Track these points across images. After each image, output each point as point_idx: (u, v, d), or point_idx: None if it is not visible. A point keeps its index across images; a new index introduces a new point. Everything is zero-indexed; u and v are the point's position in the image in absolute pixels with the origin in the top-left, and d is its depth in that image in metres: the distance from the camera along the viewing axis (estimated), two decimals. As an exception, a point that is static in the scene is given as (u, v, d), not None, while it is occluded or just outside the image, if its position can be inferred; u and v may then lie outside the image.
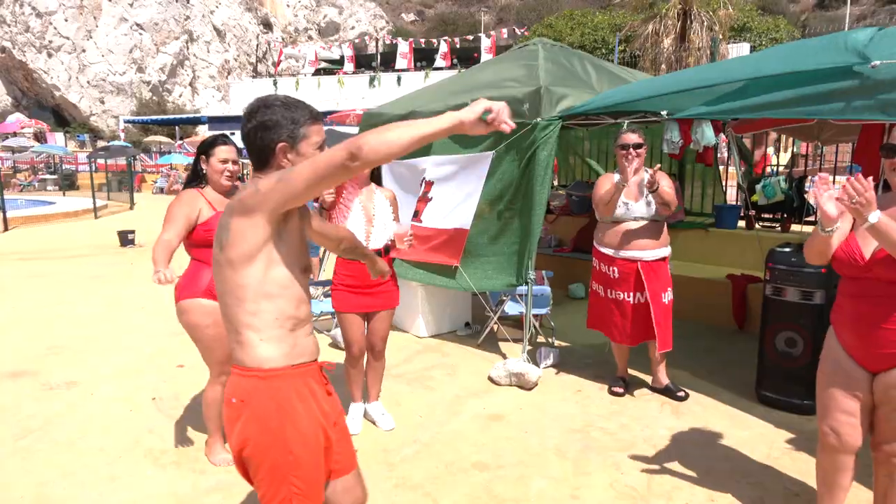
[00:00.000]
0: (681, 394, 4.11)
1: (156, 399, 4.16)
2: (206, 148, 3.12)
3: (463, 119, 1.56)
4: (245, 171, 19.83)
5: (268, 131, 1.73)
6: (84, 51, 36.24)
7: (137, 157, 26.73)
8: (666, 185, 3.89)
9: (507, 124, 1.59)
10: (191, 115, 35.54)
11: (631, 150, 3.88)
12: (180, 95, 40.27)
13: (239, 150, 3.20)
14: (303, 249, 1.81)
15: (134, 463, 3.31)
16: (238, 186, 3.29)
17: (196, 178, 3.16)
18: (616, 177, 4.00)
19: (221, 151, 3.09)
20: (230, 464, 3.25)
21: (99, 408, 4.02)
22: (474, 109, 1.56)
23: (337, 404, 1.94)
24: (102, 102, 37.14)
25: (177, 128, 34.79)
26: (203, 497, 2.98)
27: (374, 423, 3.73)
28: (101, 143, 32.25)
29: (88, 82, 36.55)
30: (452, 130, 1.57)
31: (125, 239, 11.08)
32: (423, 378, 4.55)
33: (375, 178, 3.73)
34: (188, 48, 40.62)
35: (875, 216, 2.07)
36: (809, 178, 8.28)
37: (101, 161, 22.28)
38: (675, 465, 3.25)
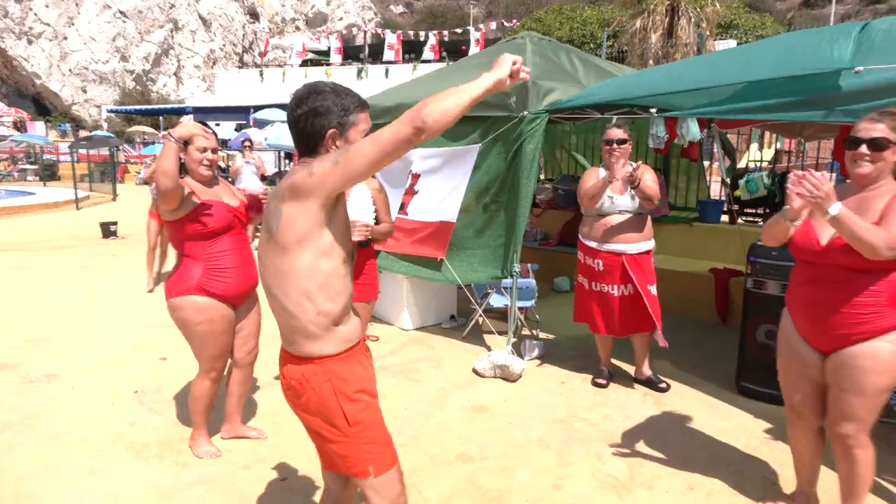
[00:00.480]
0: (662, 385, 4.16)
1: (138, 392, 4.13)
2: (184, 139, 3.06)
3: (500, 77, 1.63)
4: (228, 163, 19.68)
5: (318, 117, 1.75)
6: (65, 38, 35.64)
7: (120, 147, 26.37)
8: (650, 179, 3.92)
9: (525, 72, 1.67)
10: (175, 106, 35.14)
11: (615, 145, 3.91)
12: (164, 85, 39.78)
13: (218, 140, 3.17)
14: (348, 234, 1.83)
15: (115, 456, 3.29)
16: (218, 176, 3.27)
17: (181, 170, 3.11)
18: (601, 171, 4.03)
19: (199, 140, 3.05)
20: (214, 456, 3.25)
21: (80, 401, 3.98)
22: (504, 66, 1.63)
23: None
24: (84, 91, 36.58)
25: (161, 118, 34.38)
26: (186, 490, 2.97)
27: None
28: (83, 133, 31.79)
29: (70, 70, 35.98)
30: (495, 89, 1.64)
31: (107, 230, 10.95)
32: (408, 370, 4.56)
33: None
34: (173, 37, 40.09)
35: (835, 208, 2.14)
36: (791, 173, 8.34)
37: (82, 151, 21.96)
38: (656, 455, 3.29)
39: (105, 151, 22.16)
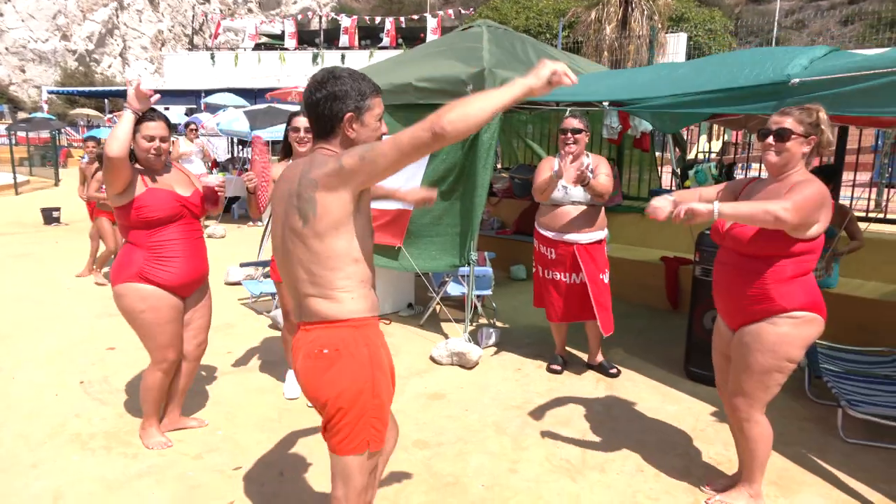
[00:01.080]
0: (613, 371, 4.26)
1: (84, 382, 4.00)
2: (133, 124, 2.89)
3: (532, 85, 1.68)
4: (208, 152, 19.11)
5: (337, 101, 1.82)
6: (2, 15, 33.85)
7: (62, 130, 25.29)
8: (604, 173, 3.97)
9: (570, 77, 1.69)
10: (121, 88, 33.80)
11: (569, 134, 3.95)
12: (109, 66, 38.27)
13: (170, 126, 3.02)
14: (370, 217, 1.94)
15: (59, 448, 3.18)
16: (172, 165, 3.17)
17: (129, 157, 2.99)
18: (556, 161, 4.07)
19: (148, 128, 2.91)
20: (165, 447, 3.17)
21: (21, 393, 3.83)
22: (541, 75, 1.67)
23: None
24: (23, 71, 34.89)
25: (106, 101, 33.08)
26: (134, 481, 2.90)
27: None
28: (21, 115, 30.34)
29: (7, 49, 34.24)
30: (524, 96, 1.69)
31: (49, 217, 10.52)
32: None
33: None
34: (118, 16, 38.55)
35: (715, 210, 2.28)
36: (739, 165, 8.63)
37: (21, 134, 20.98)
38: (608, 439, 3.38)
39: (46, 134, 21.23)
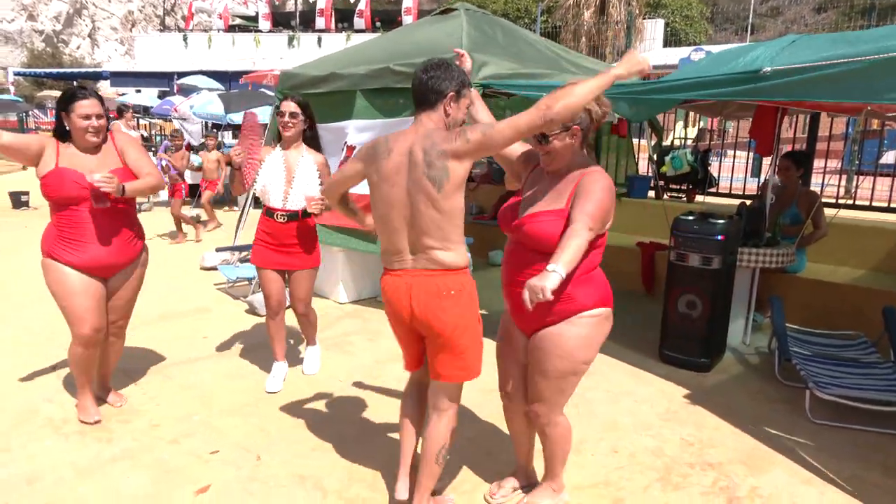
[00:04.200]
0: None
1: (56, 368, 3.93)
2: (65, 103, 2.92)
3: (620, 74, 2.14)
4: (151, 132, 18.74)
5: (444, 81, 2.24)
6: (-35, -7, 32.75)
7: (30, 112, 24.63)
8: None
9: (648, 67, 2.19)
10: (91, 70, 33.01)
11: None
12: (78, 47, 37.27)
13: (102, 103, 3.00)
14: None
15: (31, 433, 3.13)
16: (108, 140, 3.08)
17: (61, 134, 2.99)
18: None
19: (82, 106, 2.90)
20: (95, 420, 3.22)
21: (-9, 379, 3.76)
22: (629, 64, 2.14)
23: None
24: (-12, 51, 33.83)
25: (75, 82, 32.25)
26: (108, 465, 2.87)
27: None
28: (-12, 97, 29.45)
29: (-29, 28, 33.15)
30: (611, 85, 2.10)
31: (18, 201, 10.28)
32: (343, 343, 4.54)
33: (313, 141, 3.66)
34: (87, -4, 37.51)
35: (557, 274, 1.97)
36: (714, 151, 8.73)
37: (-13, 116, 20.41)
38: (582, 421, 3.42)
39: (13, 117, 20.67)
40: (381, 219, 2.35)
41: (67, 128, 2.95)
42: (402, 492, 2.52)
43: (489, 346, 2.56)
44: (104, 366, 3.41)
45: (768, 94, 3.25)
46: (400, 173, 2.25)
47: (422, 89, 2.26)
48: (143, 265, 3.32)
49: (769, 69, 3.13)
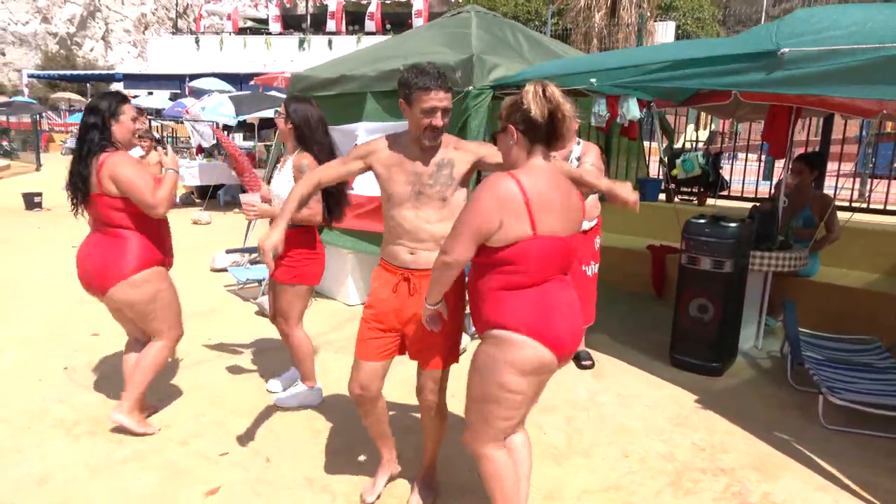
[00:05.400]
0: (586, 362, 4.22)
1: (68, 368, 3.96)
2: (113, 108, 2.98)
3: (599, 185, 2.36)
4: (164, 133, 18.85)
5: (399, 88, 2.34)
6: (-20, -4, 33.15)
7: (44, 114, 24.87)
8: (590, 161, 3.86)
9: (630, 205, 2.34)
10: (104, 72, 33.31)
11: None
12: (91, 50, 37.63)
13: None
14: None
15: (42, 433, 3.15)
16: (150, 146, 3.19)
17: (109, 142, 2.99)
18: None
19: (130, 109, 3.04)
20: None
21: (3, 378, 3.79)
22: (615, 191, 2.32)
23: None
24: (3, 55, 34.24)
25: (88, 85, 32.55)
26: (118, 466, 2.88)
27: None
28: (1, 99, 29.79)
29: (-14, 31, 33.54)
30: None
31: (31, 202, 10.37)
32: (352, 346, 4.49)
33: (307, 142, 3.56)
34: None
35: (430, 306, 2.21)
36: (725, 153, 8.67)
37: (2, 118, 20.62)
38: (593, 425, 3.40)
39: (27, 119, 20.87)
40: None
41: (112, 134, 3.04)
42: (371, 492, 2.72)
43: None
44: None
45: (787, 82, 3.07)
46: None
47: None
48: None
49: (786, 50, 3.00)
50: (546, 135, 2.00)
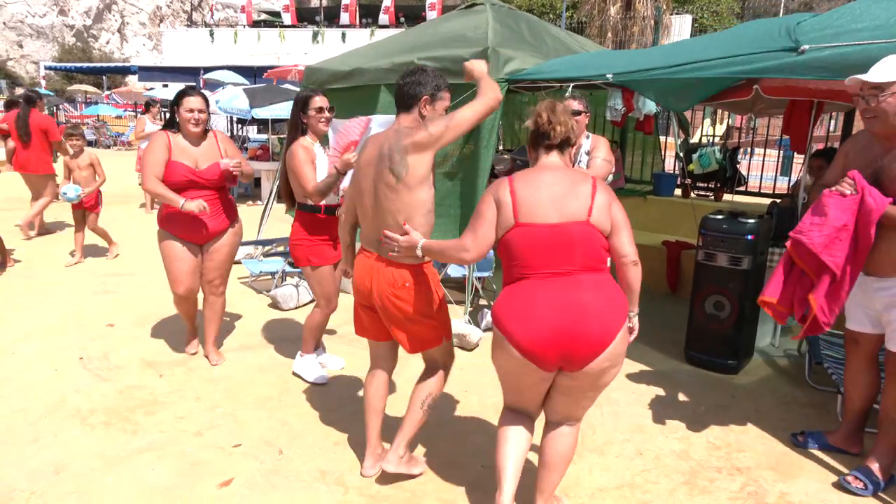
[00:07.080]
0: None
1: (83, 358, 3.99)
2: (177, 99, 3.62)
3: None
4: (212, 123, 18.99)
5: (418, 86, 2.50)
6: (-1, -12, 33.44)
7: (61, 106, 25.11)
8: (601, 155, 3.83)
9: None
10: (119, 64, 33.50)
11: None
12: (108, 42, 37.88)
13: (207, 103, 3.65)
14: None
15: (58, 423, 3.18)
16: (210, 136, 3.71)
17: (171, 124, 3.68)
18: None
19: (188, 102, 3.58)
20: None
21: (20, 368, 3.82)
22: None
23: None
24: (21, 46, 34.54)
25: (104, 77, 32.79)
26: (134, 457, 2.90)
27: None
28: (19, 91, 30.07)
29: (5, 24, 33.87)
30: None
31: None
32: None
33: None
34: (116, -9, 38.07)
35: (419, 249, 2.41)
36: (742, 149, 8.58)
37: (20, 109, 20.81)
38: (607, 422, 3.38)
39: (44, 110, 21.07)
40: (357, 206, 2.64)
41: (177, 119, 3.63)
42: (367, 468, 2.80)
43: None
44: (209, 324, 3.99)
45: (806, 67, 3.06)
46: (370, 165, 2.51)
47: (400, 94, 2.53)
48: (236, 235, 3.93)
49: (807, 47, 2.99)
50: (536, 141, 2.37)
